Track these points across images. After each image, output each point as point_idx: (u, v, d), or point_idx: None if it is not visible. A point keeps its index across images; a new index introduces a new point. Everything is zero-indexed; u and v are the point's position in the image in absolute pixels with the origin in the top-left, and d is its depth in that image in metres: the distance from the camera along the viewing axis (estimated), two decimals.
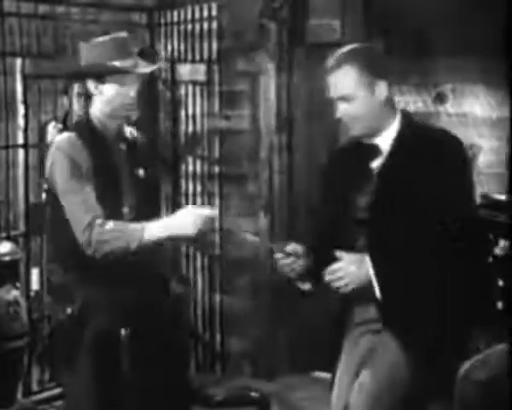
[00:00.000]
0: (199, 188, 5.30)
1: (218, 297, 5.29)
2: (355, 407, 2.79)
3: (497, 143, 4.42)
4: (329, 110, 5.00)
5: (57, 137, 3.28)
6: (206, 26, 5.17)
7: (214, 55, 5.17)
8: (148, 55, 3.30)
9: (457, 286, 2.86)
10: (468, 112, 4.68)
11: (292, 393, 4.94)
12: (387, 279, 2.83)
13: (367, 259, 2.84)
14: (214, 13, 5.13)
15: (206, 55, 5.20)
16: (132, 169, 3.27)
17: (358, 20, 4.85)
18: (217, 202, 5.23)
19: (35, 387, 4.71)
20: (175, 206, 5.39)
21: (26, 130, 4.67)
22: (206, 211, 3.15)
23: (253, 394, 4.78)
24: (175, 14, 5.28)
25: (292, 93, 5.18)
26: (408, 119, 3.01)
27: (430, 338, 2.84)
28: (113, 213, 3.18)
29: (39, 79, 4.67)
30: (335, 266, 2.85)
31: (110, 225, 3.09)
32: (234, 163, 5.21)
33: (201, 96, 5.26)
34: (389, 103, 2.95)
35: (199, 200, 5.31)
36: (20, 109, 4.77)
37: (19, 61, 4.74)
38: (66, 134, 3.23)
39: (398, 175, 2.90)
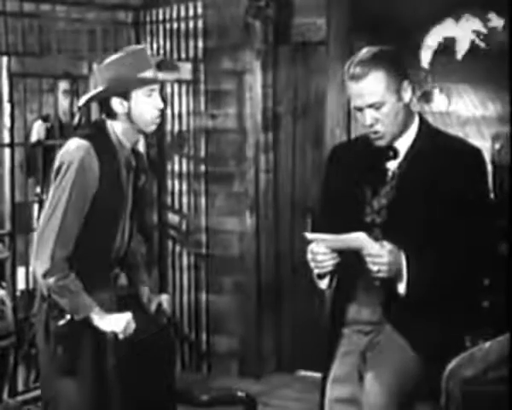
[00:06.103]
0: (185, 187, 5.30)
1: (204, 296, 5.29)
2: (370, 404, 2.78)
3: (481, 142, 4.43)
4: (315, 108, 5.09)
5: (73, 141, 3.00)
6: (191, 24, 5.18)
7: (200, 54, 5.18)
8: (166, 64, 3.22)
9: (469, 285, 2.88)
10: (452, 111, 4.70)
11: (279, 392, 4.95)
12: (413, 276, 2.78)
13: (401, 253, 2.76)
14: (200, 11, 5.14)
15: (191, 54, 5.21)
16: (136, 182, 3.18)
17: (344, 19, 4.85)
18: (203, 200, 5.24)
19: (21, 387, 4.70)
20: (161, 205, 5.39)
21: (11, 129, 4.65)
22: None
23: (240, 393, 4.77)
24: (160, 12, 5.28)
25: (277, 92, 5.18)
26: (426, 123, 2.97)
27: (441, 337, 2.85)
28: (111, 236, 3.09)
29: (25, 78, 4.65)
30: (382, 248, 2.75)
31: (69, 282, 2.96)
32: (220, 162, 5.21)
33: (187, 94, 5.26)
34: (409, 105, 2.89)
35: (185, 199, 5.31)
36: (6, 108, 4.75)
37: (5, 60, 4.72)
38: (84, 143, 2.97)
39: (415, 180, 2.85)
